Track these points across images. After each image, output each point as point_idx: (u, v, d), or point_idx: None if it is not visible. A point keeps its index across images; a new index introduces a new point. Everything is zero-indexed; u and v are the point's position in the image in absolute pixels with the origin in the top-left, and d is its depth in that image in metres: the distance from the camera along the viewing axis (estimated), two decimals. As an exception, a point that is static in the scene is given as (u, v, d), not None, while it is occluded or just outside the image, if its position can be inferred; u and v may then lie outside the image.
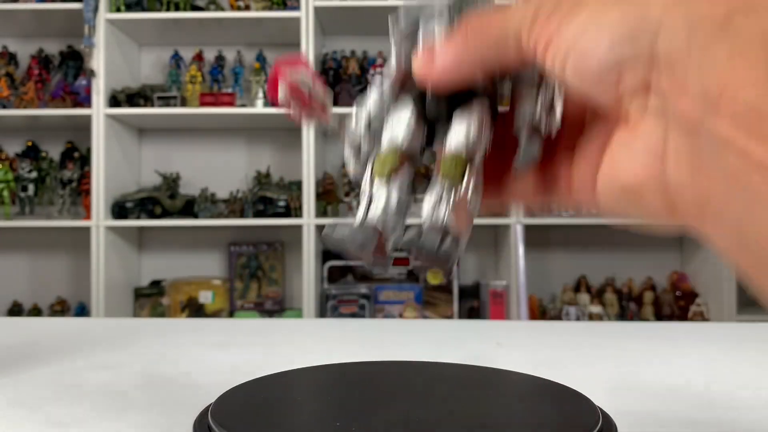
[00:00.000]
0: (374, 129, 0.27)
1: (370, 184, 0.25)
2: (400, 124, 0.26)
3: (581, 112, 0.25)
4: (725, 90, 0.16)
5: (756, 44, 0.16)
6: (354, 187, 2.28)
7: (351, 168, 0.27)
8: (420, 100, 0.26)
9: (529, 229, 2.12)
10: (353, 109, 0.27)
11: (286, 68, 0.25)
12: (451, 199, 0.24)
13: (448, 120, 0.26)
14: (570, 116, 0.26)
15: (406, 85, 0.27)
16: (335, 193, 2.26)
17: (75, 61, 2.39)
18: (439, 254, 0.24)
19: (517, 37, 0.22)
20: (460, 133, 0.25)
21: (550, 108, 0.26)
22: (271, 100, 0.28)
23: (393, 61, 0.27)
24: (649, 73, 0.18)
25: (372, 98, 0.27)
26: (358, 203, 0.25)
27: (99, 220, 2.14)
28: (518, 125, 0.26)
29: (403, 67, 0.26)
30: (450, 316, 2.23)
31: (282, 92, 0.24)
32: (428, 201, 0.25)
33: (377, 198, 0.25)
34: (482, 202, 0.26)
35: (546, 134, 0.26)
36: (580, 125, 0.26)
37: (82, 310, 2.38)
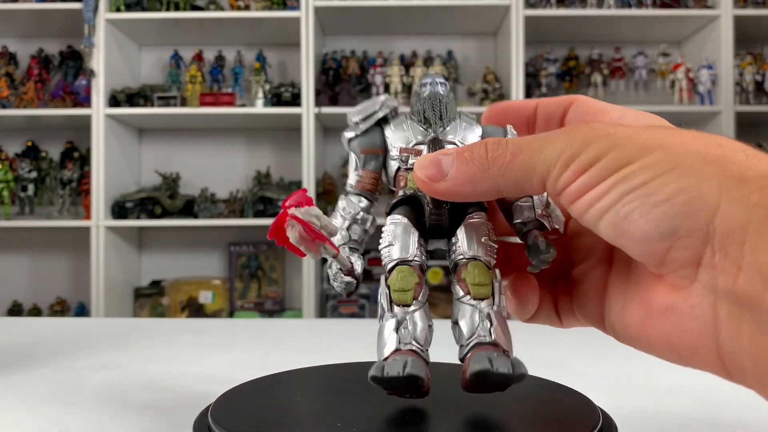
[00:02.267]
0: (352, 236, 0.29)
1: (389, 306, 0.26)
2: (406, 240, 0.27)
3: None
4: None
5: None
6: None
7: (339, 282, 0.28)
8: (411, 204, 0.28)
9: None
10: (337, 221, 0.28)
11: (293, 211, 0.26)
12: (494, 316, 0.26)
13: (447, 226, 0.27)
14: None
15: (374, 190, 0.29)
16: (335, 193, 2.26)
17: (75, 61, 2.39)
18: (514, 375, 0.25)
19: (542, 177, 0.22)
20: (472, 244, 0.26)
21: (547, 206, 0.27)
22: (277, 243, 0.28)
23: (353, 171, 0.29)
24: (702, 249, 0.19)
25: (341, 206, 0.29)
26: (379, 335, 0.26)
27: (99, 220, 2.14)
28: (520, 223, 0.27)
29: (369, 170, 0.29)
30: (450, 316, 2.23)
31: (294, 235, 0.25)
32: (467, 323, 0.26)
33: (412, 324, 0.26)
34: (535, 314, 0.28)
35: (553, 230, 0.27)
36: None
37: (82, 310, 2.38)
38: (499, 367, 0.24)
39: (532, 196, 0.27)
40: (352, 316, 2.19)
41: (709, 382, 0.45)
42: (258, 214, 2.22)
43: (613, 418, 0.32)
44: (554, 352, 0.55)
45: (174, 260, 2.46)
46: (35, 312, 2.39)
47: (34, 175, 2.31)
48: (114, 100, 2.19)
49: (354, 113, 0.30)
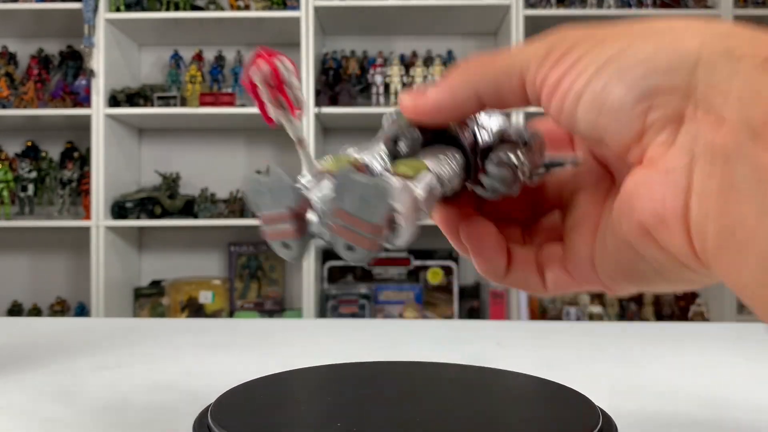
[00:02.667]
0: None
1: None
2: (367, 151, 0.24)
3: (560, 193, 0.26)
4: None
5: None
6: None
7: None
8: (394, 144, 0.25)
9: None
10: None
11: (268, 53, 0.23)
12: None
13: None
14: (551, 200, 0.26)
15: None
16: (335, 193, 2.25)
17: (75, 61, 2.38)
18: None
19: (521, 74, 0.21)
20: (427, 156, 0.24)
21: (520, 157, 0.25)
22: (243, 83, 0.27)
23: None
24: (683, 105, 0.18)
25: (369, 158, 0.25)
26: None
27: (99, 220, 2.14)
28: (489, 160, 0.25)
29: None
30: (450, 316, 2.23)
31: (258, 75, 0.22)
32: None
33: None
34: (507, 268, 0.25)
35: (520, 173, 0.25)
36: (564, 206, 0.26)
37: (82, 310, 2.38)
38: (364, 176, 0.21)
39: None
40: (352, 316, 2.19)
41: (709, 383, 0.45)
42: (258, 214, 2.22)
43: (613, 418, 0.32)
44: (554, 352, 0.55)
45: (174, 260, 2.46)
46: (35, 312, 2.39)
47: (34, 175, 2.31)
48: (114, 100, 2.19)
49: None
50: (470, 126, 0.25)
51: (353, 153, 0.25)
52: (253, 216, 2.22)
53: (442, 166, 0.24)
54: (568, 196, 0.26)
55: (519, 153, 0.25)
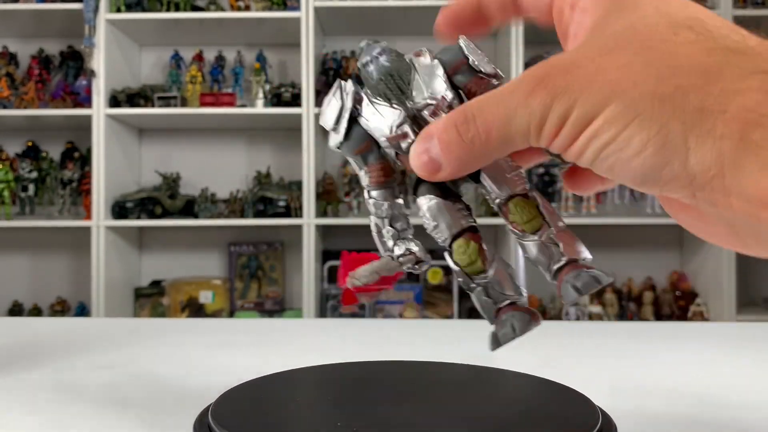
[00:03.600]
0: (398, 228, 0.29)
1: (468, 279, 0.27)
2: (446, 215, 0.27)
3: None
4: (765, 196, 0.19)
5: None
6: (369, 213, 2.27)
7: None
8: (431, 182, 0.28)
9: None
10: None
11: (351, 284, 0.28)
12: (555, 238, 0.26)
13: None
14: None
15: (390, 177, 0.29)
16: (335, 193, 2.26)
17: (75, 62, 2.39)
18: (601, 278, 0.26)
19: (523, 139, 0.23)
20: (501, 186, 0.27)
21: None
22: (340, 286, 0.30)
23: (360, 171, 0.29)
24: (690, 188, 0.21)
25: (374, 213, 0.29)
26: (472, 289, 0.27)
27: (99, 220, 2.14)
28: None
29: (374, 164, 0.28)
30: (450, 316, 2.23)
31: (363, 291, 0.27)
32: (540, 258, 0.26)
33: (496, 284, 0.27)
34: None
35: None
36: None
37: (83, 310, 2.38)
38: (584, 282, 0.25)
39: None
40: (352, 316, 2.19)
41: (709, 383, 0.45)
42: (258, 214, 2.22)
43: (613, 418, 0.32)
44: (554, 352, 0.55)
45: (174, 260, 2.46)
46: (35, 312, 2.39)
47: (34, 175, 2.31)
48: (114, 101, 2.19)
49: (325, 120, 0.29)
50: None
51: (447, 234, 0.27)
52: (254, 216, 2.22)
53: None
54: None
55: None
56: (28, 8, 2.19)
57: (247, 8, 2.27)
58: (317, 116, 2.15)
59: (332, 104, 0.29)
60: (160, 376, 0.45)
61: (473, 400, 0.35)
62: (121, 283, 2.29)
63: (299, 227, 2.14)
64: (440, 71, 0.27)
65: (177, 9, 2.22)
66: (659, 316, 2.29)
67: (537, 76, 0.22)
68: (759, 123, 0.19)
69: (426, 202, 0.27)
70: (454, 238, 0.27)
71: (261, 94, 2.24)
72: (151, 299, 2.34)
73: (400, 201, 0.29)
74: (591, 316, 2.25)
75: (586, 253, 0.26)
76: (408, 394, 0.36)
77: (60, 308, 2.40)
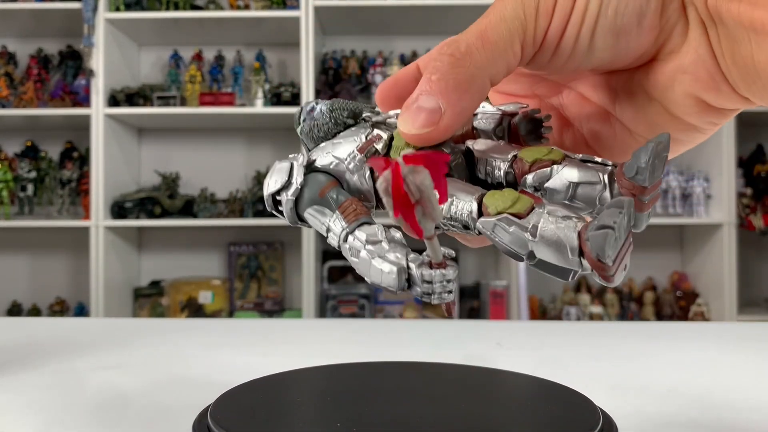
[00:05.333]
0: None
1: (521, 222, 0.21)
2: (456, 188, 0.23)
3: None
4: None
5: None
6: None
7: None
8: None
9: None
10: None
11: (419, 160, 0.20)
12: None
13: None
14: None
15: (366, 212, 0.24)
16: (335, 193, 2.25)
17: (74, 61, 2.38)
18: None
19: (520, 42, 0.22)
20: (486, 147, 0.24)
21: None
22: (397, 197, 0.23)
23: (332, 217, 0.24)
24: None
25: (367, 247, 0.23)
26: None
27: (98, 220, 2.14)
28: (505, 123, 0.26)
29: (344, 200, 0.24)
30: (450, 316, 2.23)
31: (420, 183, 0.18)
32: (576, 170, 0.22)
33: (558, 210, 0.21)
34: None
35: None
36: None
37: (82, 311, 2.38)
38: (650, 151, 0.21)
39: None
40: (352, 316, 2.19)
41: (709, 383, 0.45)
42: (258, 214, 2.22)
43: (613, 418, 0.32)
44: (554, 352, 0.54)
45: (173, 260, 2.46)
46: (34, 312, 2.39)
47: (33, 175, 2.31)
48: (113, 100, 2.19)
49: (269, 186, 0.26)
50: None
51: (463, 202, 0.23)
52: (253, 216, 2.22)
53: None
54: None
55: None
56: (27, 7, 2.19)
57: (247, 7, 2.27)
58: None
59: (277, 171, 0.26)
60: (159, 376, 0.45)
61: (473, 401, 0.35)
62: (121, 283, 2.29)
63: (299, 227, 2.14)
64: None
65: (176, 8, 2.22)
66: (660, 317, 2.29)
67: None
68: None
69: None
70: (481, 197, 0.22)
71: (260, 94, 2.24)
72: (150, 299, 2.34)
73: (395, 233, 0.24)
74: (591, 317, 2.25)
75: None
76: (408, 394, 0.36)
77: (59, 308, 2.39)
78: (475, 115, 0.27)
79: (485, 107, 0.27)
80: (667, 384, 0.44)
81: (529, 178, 0.23)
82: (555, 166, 0.22)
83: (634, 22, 0.22)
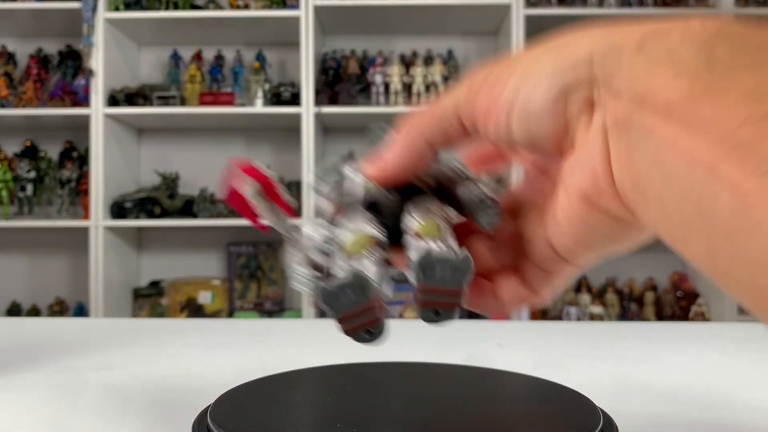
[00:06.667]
0: (327, 250, 0.27)
1: (345, 261, 0.25)
2: (363, 224, 0.26)
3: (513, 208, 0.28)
4: (648, 91, 0.20)
5: (664, 59, 0.20)
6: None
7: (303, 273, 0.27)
8: (371, 208, 0.27)
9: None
10: (304, 234, 0.27)
11: (249, 168, 0.26)
12: (447, 239, 0.25)
13: (401, 216, 0.27)
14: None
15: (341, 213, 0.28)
16: (335, 193, 2.25)
17: (74, 61, 2.38)
18: (455, 269, 0.24)
19: (456, 113, 0.25)
20: (422, 211, 0.26)
21: (495, 183, 0.27)
22: (228, 201, 0.27)
23: (325, 204, 0.28)
24: (590, 91, 0.22)
25: (312, 230, 0.27)
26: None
27: (98, 220, 2.14)
28: (467, 200, 0.27)
29: (337, 201, 0.27)
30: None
31: (250, 190, 0.24)
32: (415, 248, 0.25)
33: (360, 265, 0.25)
34: (480, 303, 0.28)
35: (496, 197, 0.27)
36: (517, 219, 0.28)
37: (81, 311, 2.37)
38: (441, 252, 0.24)
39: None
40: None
41: (709, 383, 0.45)
42: (257, 214, 2.22)
43: (614, 418, 0.32)
44: (554, 352, 0.54)
45: (173, 260, 2.46)
46: (34, 312, 2.38)
47: (32, 175, 2.31)
48: (113, 100, 2.19)
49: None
50: (431, 172, 0.28)
51: (353, 229, 0.26)
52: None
53: (440, 218, 0.26)
54: (518, 204, 0.29)
55: (482, 185, 0.27)
56: (27, 7, 2.19)
57: (247, 7, 2.26)
58: (317, 115, 2.15)
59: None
60: (158, 376, 0.45)
61: (473, 401, 0.35)
62: (120, 283, 2.29)
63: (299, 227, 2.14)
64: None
65: (176, 8, 2.21)
66: (661, 317, 2.29)
67: (475, 71, 0.25)
68: (654, 35, 0.21)
69: (356, 219, 0.27)
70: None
71: (260, 94, 2.24)
72: (150, 299, 2.34)
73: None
74: (592, 317, 2.25)
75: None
76: (408, 394, 0.36)
77: (58, 308, 2.39)
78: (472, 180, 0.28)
79: (483, 181, 0.28)
80: (667, 384, 0.44)
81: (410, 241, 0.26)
82: (415, 241, 0.25)
83: (540, 107, 0.23)
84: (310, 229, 0.27)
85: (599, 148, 0.22)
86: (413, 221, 0.26)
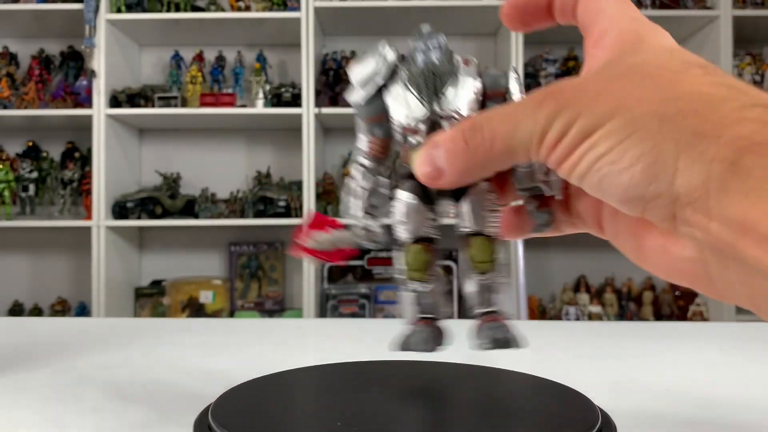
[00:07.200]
0: (373, 203, 0.29)
1: (406, 279, 0.29)
2: (416, 220, 0.28)
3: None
4: (745, 221, 0.19)
5: (764, 182, 0.18)
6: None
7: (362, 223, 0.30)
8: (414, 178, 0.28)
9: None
10: (349, 187, 0.30)
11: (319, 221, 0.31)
12: (494, 286, 0.28)
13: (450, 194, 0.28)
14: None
15: (386, 155, 0.29)
16: (335, 193, 2.26)
17: (76, 62, 2.39)
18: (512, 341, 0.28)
19: (525, 151, 0.24)
20: (476, 218, 0.28)
21: (547, 171, 0.27)
22: (296, 247, 0.31)
23: (362, 136, 0.29)
24: (672, 207, 0.21)
25: (359, 180, 0.29)
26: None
27: (100, 220, 2.14)
28: (521, 190, 0.28)
29: (378, 137, 0.29)
30: (450, 316, 2.23)
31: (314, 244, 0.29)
32: (471, 294, 0.28)
33: (427, 296, 0.29)
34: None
35: (550, 195, 0.28)
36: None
37: (83, 310, 2.38)
38: (499, 335, 0.28)
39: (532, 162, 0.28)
40: (353, 315, 2.19)
41: (709, 383, 0.45)
42: (258, 214, 2.22)
43: (613, 418, 0.32)
44: (554, 352, 0.55)
45: (174, 260, 2.46)
46: (36, 312, 2.39)
47: (35, 175, 2.31)
48: (115, 101, 2.19)
49: (355, 75, 0.30)
50: None
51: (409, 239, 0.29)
52: (254, 216, 2.22)
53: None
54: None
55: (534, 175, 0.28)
56: (29, 8, 2.19)
57: (248, 8, 2.27)
58: (317, 116, 2.15)
59: (368, 64, 0.29)
60: (160, 376, 0.45)
61: (473, 400, 0.35)
62: (122, 283, 2.29)
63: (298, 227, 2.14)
64: (477, 91, 0.28)
65: (177, 9, 2.22)
66: (659, 316, 2.29)
67: (546, 91, 0.23)
68: (751, 150, 0.19)
69: (405, 199, 0.28)
70: (414, 242, 0.28)
71: (261, 94, 2.24)
72: (151, 299, 2.34)
73: (386, 180, 0.29)
74: (591, 316, 2.25)
75: (509, 313, 0.29)
76: (408, 394, 0.36)
77: (60, 308, 2.40)
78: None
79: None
80: (665, 383, 0.44)
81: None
82: (472, 271, 0.28)
83: (616, 198, 0.22)
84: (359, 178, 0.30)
85: (692, 254, 0.23)
86: (469, 249, 0.28)
